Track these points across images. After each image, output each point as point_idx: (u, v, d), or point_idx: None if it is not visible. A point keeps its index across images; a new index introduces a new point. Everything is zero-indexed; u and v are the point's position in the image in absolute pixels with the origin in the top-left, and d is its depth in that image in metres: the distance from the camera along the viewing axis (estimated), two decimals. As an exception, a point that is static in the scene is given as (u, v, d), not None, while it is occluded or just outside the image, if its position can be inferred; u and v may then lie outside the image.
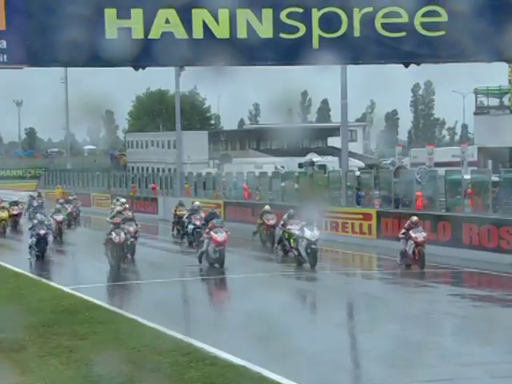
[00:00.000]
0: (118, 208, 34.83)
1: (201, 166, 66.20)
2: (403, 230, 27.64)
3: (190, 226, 35.15)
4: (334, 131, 66.19)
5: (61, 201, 47.09)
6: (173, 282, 26.71)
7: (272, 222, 34.60)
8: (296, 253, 28.27)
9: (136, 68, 18.54)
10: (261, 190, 46.85)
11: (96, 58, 18.77)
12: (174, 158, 60.54)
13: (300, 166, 60.20)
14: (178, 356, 15.10)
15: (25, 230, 38.43)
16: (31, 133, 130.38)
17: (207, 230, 28.24)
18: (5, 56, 19.35)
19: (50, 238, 33.01)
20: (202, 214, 34.10)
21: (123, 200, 43.05)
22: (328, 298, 23.91)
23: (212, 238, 27.62)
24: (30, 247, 31.49)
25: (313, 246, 27.56)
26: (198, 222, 33.79)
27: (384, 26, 18.45)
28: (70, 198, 53.46)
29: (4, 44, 19.17)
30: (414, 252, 26.96)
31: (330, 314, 20.94)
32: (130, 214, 33.68)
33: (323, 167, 56.32)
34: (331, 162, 59.85)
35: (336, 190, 40.53)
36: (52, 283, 25.71)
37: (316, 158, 64.52)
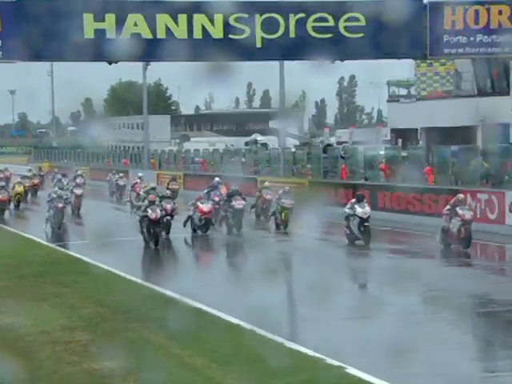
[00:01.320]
0: (152, 184, 29.20)
1: (164, 144, 65.81)
2: (448, 207, 22.36)
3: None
4: (273, 115, 66.09)
5: (59, 176, 40.39)
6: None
7: (269, 197, 29.69)
8: (347, 231, 23.44)
9: (109, 62, 18.43)
10: (214, 164, 47.00)
11: (76, 54, 18.60)
12: (142, 138, 60.11)
13: (246, 144, 60.08)
14: (146, 299, 15.11)
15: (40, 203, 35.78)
16: (23, 116, 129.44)
17: (194, 201, 26.50)
18: (0, 53, 19.12)
19: (68, 211, 29.86)
20: (223, 191, 29.42)
21: (140, 174, 38.48)
22: (269, 253, 23.89)
23: (198, 207, 26.08)
24: (47, 219, 27.90)
25: (365, 224, 23.15)
26: (216, 199, 28.52)
27: (314, 28, 18.52)
28: (78, 173, 42.34)
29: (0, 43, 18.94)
30: (459, 230, 21.79)
31: (266, 266, 20.91)
32: (169, 192, 28.88)
33: (265, 145, 56.26)
34: (272, 140, 59.74)
35: (276, 164, 40.76)
36: (44, 242, 25.19)
37: (259, 138, 64.41)
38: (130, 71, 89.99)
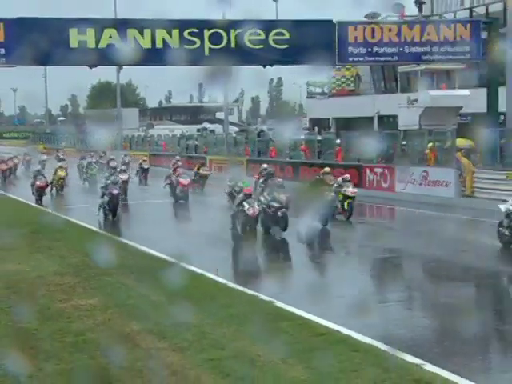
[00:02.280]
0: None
1: (133, 131, 65.21)
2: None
3: None
4: (219, 108, 65.85)
5: (89, 159, 34.31)
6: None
7: (332, 183, 20.03)
8: (506, 232, 14.39)
9: (90, 67, 18.13)
10: (172, 146, 46.82)
11: (64, 60, 18.24)
12: (116, 126, 59.33)
13: (198, 130, 59.89)
14: (120, 251, 14.95)
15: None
16: (23, 109, 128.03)
17: (176, 175, 23.77)
18: (3, 59, 18.66)
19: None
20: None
21: (178, 157, 30.72)
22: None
23: (180, 182, 23.71)
24: (101, 205, 21.11)
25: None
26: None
27: (250, 41, 18.50)
28: (111, 157, 34.59)
29: (2, 51, 18.51)
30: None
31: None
32: (279, 180, 19.30)
33: (213, 131, 56.19)
34: (218, 128, 59.73)
35: (221, 146, 40.65)
36: (47, 209, 23.80)
37: (208, 126, 64.32)
38: (107, 73, 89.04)
